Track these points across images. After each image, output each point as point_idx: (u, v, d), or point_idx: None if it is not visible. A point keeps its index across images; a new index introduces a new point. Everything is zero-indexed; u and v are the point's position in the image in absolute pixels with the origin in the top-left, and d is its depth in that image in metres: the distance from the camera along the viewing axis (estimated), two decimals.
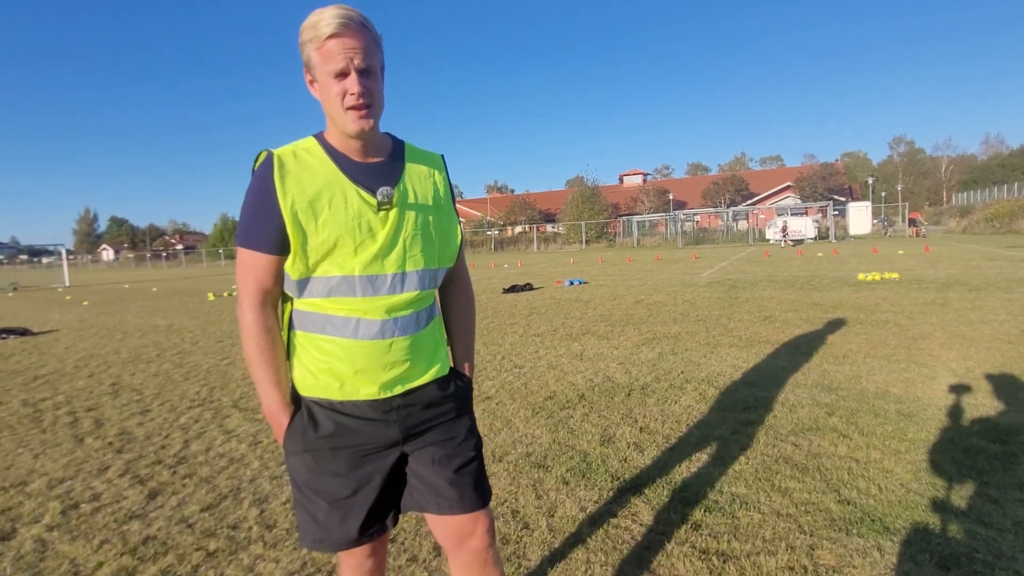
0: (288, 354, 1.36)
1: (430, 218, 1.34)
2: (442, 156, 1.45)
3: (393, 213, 1.28)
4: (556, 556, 2.23)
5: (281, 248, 1.24)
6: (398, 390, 1.33)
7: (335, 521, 1.35)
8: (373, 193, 1.26)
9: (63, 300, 17.48)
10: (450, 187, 1.43)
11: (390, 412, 1.33)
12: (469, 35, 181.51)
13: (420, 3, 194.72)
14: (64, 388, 5.40)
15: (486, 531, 1.41)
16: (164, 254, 66.76)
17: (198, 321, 10.06)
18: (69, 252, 50.45)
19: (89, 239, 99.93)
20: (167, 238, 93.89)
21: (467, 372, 1.53)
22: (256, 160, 1.26)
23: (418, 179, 1.35)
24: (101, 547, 2.45)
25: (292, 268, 1.25)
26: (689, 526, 2.36)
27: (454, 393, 1.43)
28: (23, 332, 9.45)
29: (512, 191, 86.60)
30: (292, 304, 1.34)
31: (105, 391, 5.20)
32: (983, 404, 3.60)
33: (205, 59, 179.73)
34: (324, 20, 1.17)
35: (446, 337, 1.51)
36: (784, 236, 29.55)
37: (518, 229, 49.63)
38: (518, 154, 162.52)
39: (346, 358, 1.28)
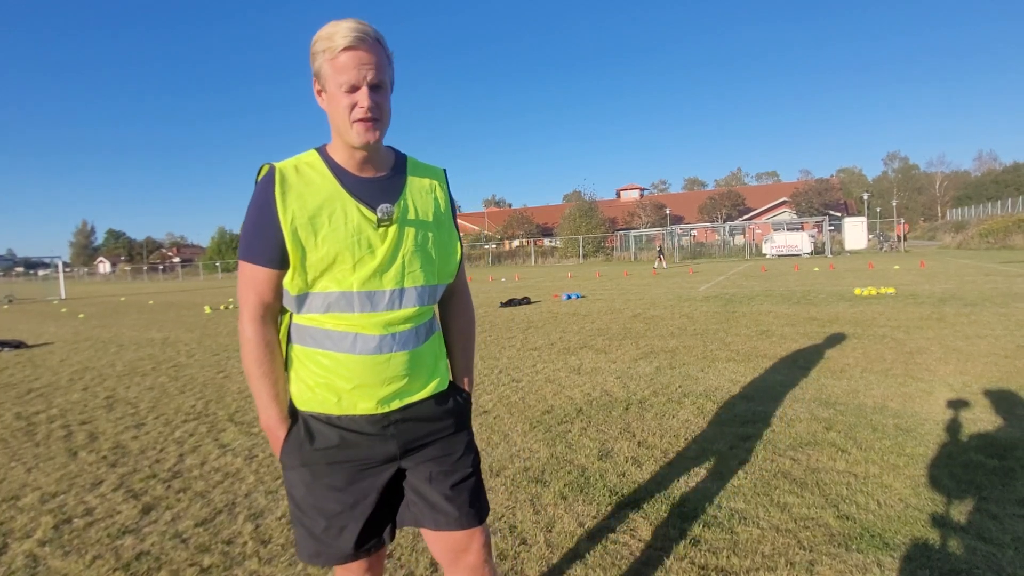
0: (286, 368, 1.36)
1: (430, 234, 1.34)
2: (444, 171, 1.45)
3: (393, 229, 1.27)
4: (554, 572, 2.21)
5: (281, 262, 1.24)
6: (395, 405, 1.32)
7: (332, 535, 1.34)
8: (373, 209, 1.26)
9: (59, 313, 17.41)
10: (451, 202, 1.43)
11: (388, 427, 1.32)
12: (466, 50, 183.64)
13: (416, 19, 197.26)
14: (58, 401, 5.36)
15: (482, 547, 1.40)
16: (161, 267, 66.61)
17: (194, 334, 10.02)
18: (65, 265, 50.32)
19: (86, 252, 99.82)
20: (164, 251, 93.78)
21: (466, 387, 1.52)
22: (259, 173, 1.26)
23: (419, 194, 1.35)
24: (94, 563, 2.42)
25: (291, 284, 1.25)
26: (688, 541, 2.35)
27: (453, 408, 1.42)
28: (18, 344, 9.40)
29: (510, 205, 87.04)
30: (291, 318, 1.34)
31: (100, 404, 5.16)
32: (981, 419, 3.60)
33: (204, 73, 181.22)
34: (340, 32, 1.17)
35: (446, 351, 1.50)
36: (660, 257, 27.22)
37: (516, 243, 49.75)
38: (515, 169, 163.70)
39: (344, 373, 1.27)
